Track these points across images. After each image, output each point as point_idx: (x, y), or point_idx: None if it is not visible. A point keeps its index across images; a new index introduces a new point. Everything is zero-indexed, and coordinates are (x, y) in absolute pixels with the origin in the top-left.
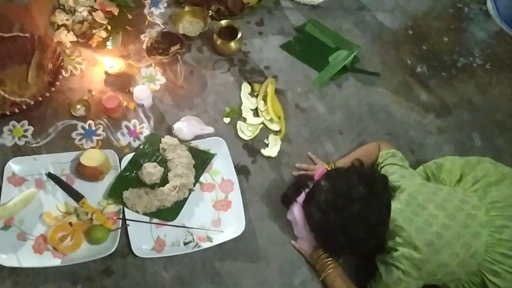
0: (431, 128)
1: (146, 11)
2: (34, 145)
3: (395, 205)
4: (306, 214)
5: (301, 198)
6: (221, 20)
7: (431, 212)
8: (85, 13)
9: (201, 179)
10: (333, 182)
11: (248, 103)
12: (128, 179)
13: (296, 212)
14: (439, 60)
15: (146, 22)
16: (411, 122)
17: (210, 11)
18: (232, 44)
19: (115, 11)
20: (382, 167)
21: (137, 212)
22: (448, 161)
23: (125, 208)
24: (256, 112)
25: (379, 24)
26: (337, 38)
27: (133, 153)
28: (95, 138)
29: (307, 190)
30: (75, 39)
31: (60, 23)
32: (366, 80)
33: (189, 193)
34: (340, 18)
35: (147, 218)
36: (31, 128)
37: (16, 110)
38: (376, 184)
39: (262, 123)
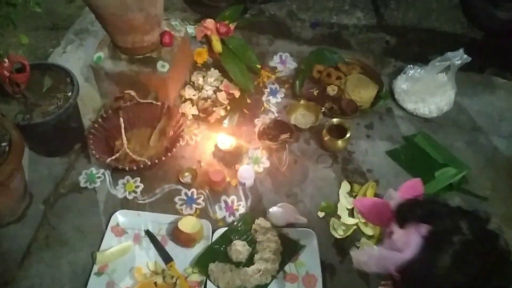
0: None
1: (264, 98)
2: (140, 201)
3: None
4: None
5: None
6: (333, 117)
7: None
8: (210, 92)
9: (286, 268)
10: None
11: (345, 202)
12: (216, 252)
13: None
14: None
15: (262, 108)
16: None
17: (323, 108)
18: (340, 142)
19: (237, 94)
20: None
21: (218, 287)
22: None
23: (208, 281)
24: (351, 213)
25: (493, 148)
26: (447, 155)
27: (226, 228)
28: (194, 206)
29: None
30: (197, 113)
31: (187, 97)
32: (473, 203)
33: (271, 280)
34: (453, 135)
35: None
36: (141, 186)
37: (134, 167)
38: None
39: (357, 224)
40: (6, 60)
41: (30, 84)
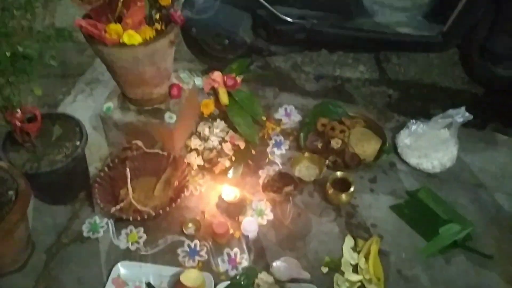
0: None
1: (268, 149)
2: (143, 252)
3: None
4: None
5: None
6: (336, 171)
7: None
8: (216, 143)
9: None
10: None
11: (349, 257)
12: None
13: None
14: None
15: (267, 160)
16: None
17: (327, 161)
18: (343, 196)
19: (242, 145)
20: None
21: None
22: None
23: None
24: (355, 269)
25: (497, 206)
26: (451, 211)
27: (229, 282)
28: (197, 258)
29: None
30: (202, 163)
31: (193, 147)
32: (478, 261)
33: None
34: (456, 191)
35: None
36: (145, 236)
37: (138, 218)
38: None
39: (361, 281)
40: (19, 110)
41: (40, 132)
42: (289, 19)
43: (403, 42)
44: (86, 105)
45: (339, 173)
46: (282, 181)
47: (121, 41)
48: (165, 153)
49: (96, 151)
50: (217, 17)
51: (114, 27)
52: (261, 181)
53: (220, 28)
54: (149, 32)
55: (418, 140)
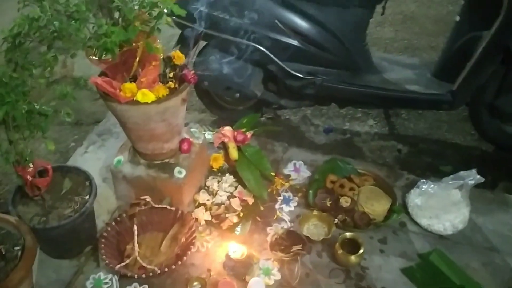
0: None
1: (277, 206)
2: None
3: None
4: None
5: None
6: (345, 230)
7: None
8: (224, 198)
9: None
10: None
11: None
12: None
13: None
14: None
15: (275, 216)
16: None
17: (336, 219)
18: (353, 258)
19: (250, 201)
20: None
21: None
22: None
23: None
24: None
25: (510, 271)
26: (463, 276)
27: None
28: None
29: None
30: (210, 219)
31: (201, 202)
32: None
33: None
34: (468, 254)
35: None
36: None
37: (143, 275)
38: None
39: None
40: (31, 165)
41: (50, 185)
42: (299, 75)
43: (411, 99)
44: (97, 156)
45: (348, 234)
46: (290, 240)
47: (134, 99)
48: (173, 209)
49: (105, 203)
50: (229, 72)
51: (129, 86)
52: (269, 239)
53: (231, 82)
54: (162, 91)
55: (429, 200)
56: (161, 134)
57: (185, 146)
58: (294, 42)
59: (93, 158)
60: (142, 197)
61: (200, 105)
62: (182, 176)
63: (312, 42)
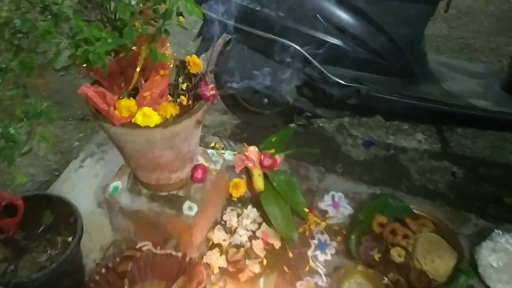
0: None
1: (310, 252)
2: None
3: None
4: None
5: None
6: None
7: None
8: (244, 238)
9: None
10: None
11: None
12: None
13: None
14: None
15: (307, 268)
16: None
17: (386, 278)
18: None
19: (277, 245)
20: None
21: None
22: None
23: None
24: None
25: None
26: None
27: None
28: None
29: None
30: (225, 266)
31: (215, 242)
32: None
33: None
34: None
35: None
36: None
37: None
38: None
39: None
40: None
41: (26, 219)
42: (341, 82)
43: (477, 118)
44: (94, 172)
45: None
46: None
47: (133, 121)
48: (180, 255)
49: (97, 236)
50: (257, 73)
51: (126, 103)
52: None
53: (259, 85)
54: (171, 109)
55: (508, 259)
56: (168, 163)
57: (198, 174)
58: (338, 42)
59: (89, 175)
60: (139, 245)
61: (222, 105)
62: (193, 213)
63: (359, 43)
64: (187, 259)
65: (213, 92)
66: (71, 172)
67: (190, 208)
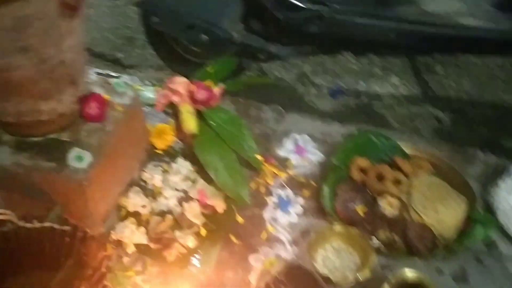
0: None
1: (267, 214)
2: None
3: None
4: None
5: None
6: (394, 258)
7: None
8: (173, 201)
9: None
10: None
11: None
12: None
13: None
14: None
15: (264, 235)
16: None
17: (375, 238)
18: None
19: (220, 208)
20: None
21: None
22: None
23: None
24: None
25: None
26: None
27: None
28: None
29: None
30: (145, 242)
31: (131, 210)
32: None
33: None
34: None
35: None
36: None
37: None
38: None
39: None
40: None
41: None
42: (298, 3)
43: (466, 39)
44: None
45: (409, 273)
46: (294, 284)
47: None
48: (67, 228)
49: None
50: (189, 2)
51: None
52: (253, 281)
53: (194, 17)
54: None
55: None
56: (27, 81)
57: (91, 109)
58: None
59: None
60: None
61: (156, 60)
62: (84, 165)
63: None
64: (79, 234)
65: None
66: None
67: (79, 158)
